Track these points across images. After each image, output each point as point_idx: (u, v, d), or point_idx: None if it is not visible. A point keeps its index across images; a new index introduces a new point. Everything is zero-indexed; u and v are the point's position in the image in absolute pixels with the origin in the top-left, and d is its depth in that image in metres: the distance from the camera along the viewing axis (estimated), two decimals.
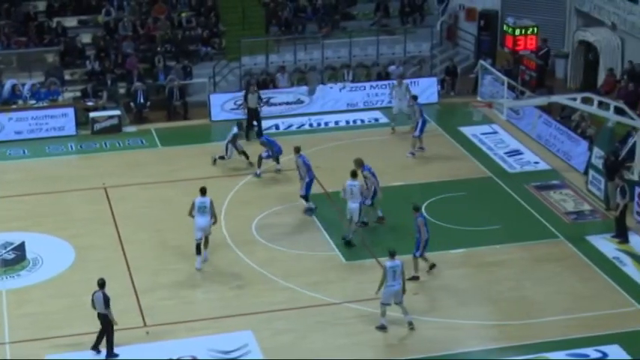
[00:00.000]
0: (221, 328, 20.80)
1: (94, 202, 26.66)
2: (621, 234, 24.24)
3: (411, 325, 20.56)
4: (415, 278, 22.39)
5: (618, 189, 24.17)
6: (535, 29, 34.92)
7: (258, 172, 28.16)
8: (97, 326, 20.35)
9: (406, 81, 32.18)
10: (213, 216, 22.96)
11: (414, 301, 21.66)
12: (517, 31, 34.91)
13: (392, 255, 20.54)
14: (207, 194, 22.97)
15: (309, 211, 25.63)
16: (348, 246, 23.90)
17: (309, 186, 25.63)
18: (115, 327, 19.73)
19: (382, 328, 20.54)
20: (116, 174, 28.42)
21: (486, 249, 23.87)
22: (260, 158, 28.08)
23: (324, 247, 24.16)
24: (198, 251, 22.88)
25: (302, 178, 25.69)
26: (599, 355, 19.73)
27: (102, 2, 36.17)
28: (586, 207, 26.32)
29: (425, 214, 23.49)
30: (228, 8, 37.08)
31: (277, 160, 28.18)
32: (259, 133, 30.69)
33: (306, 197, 25.69)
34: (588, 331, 20.51)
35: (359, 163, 24.98)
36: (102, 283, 19.75)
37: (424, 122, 29.22)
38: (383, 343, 20.24)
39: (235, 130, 28.89)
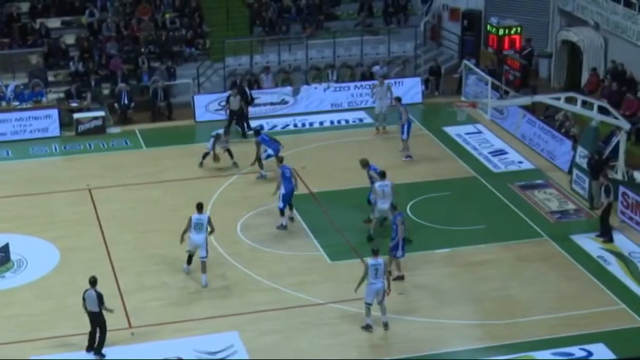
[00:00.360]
0: (206, 328, 20.77)
1: (79, 204, 26.58)
2: (605, 233, 24.32)
3: (385, 327, 20.54)
4: (400, 278, 22.43)
5: (603, 188, 24.22)
6: (519, 29, 35.03)
7: (262, 173, 27.79)
8: (82, 327, 20.33)
9: (387, 81, 32.21)
10: (212, 228, 22.32)
11: (399, 301, 21.70)
12: (501, 31, 35.00)
13: (375, 253, 20.56)
14: (203, 210, 22.49)
15: (281, 227, 24.84)
16: (369, 240, 23.90)
17: (284, 198, 24.73)
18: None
19: (367, 327, 20.55)
20: (100, 175, 28.34)
21: (471, 249, 23.91)
22: (260, 160, 27.73)
23: (309, 247, 24.17)
24: (189, 261, 22.55)
25: (277, 189, 24.88)
26: (584, 353, 19.80)
27: (85, 3, 36.07)
28: (570, 206, 26.42)
29: (403, 213, 23.41)
30: (212, 9, 37.05)
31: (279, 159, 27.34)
32: (244, 134, 30.69)
33: (282, 211, 24.87)
34: (573, 330, 20.58)
35: (364, 163, 25.05)
36: (93, 281, 19.71)
37: (409, 124, 29.20)
38: (368, 344, 20.25)
39: (220, 131, 28.77)
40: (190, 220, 22.19)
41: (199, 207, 22.43)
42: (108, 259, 23.56)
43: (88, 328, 20.38)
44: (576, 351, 19.89)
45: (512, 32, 34.99)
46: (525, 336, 20.42)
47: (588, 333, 20.46)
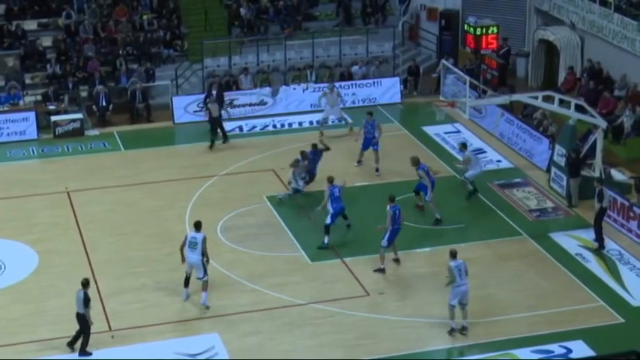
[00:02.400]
0: (187, 330, 20.74)
1: (57, 207, 26.47)
2: (597, 239, 23.89)
3: (464, 331, 20.37)
4: (380, 270, 22.46)
5: (596, 192, 23.68)
6: (496, 28, 35.15)
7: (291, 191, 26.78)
8: (62, 331, 20.33)
9: (337, 86, 32.17)
10: (205, 254, 21.22)
11: (379, 300, 21.75)
12: (478, 31, 35.11)
13: (453, 255, 20.38)
14: (200, 229, 21.28)
15: (324, 246, 23.95)
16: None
17: (333, 217, 23.96)
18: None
19: (452, 331, 20.37)
20: (79, 178, 28.23)
21: (450, 247, 23.93)
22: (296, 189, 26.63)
23: (289, 248, 24.16)
24: (186, 284, 21.75)
25: (323, 208, 24.07)
26: (563, 351, 19.90)
27: (62, 5, 35.91)
28: (549, 204, 26.55)
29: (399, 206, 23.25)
30: (190, 10, 36.99)
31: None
32: (225, 140, 30.58)
33: (327, 228, 23.97)
34: (552, 328, 20.69)
35: (415, 161, 25.17)
36: (85, 283, 19.68)
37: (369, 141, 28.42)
38: (350, 344, 20.27)
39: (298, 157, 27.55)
40: (186, 237, 21.39)
41: (196, 225, 21.37)
42: (87, 262, 23.47)
43: (68, 331, 20.36)
44: (556, 348, 19.99)
45: (490, 32, 35.10)
46: (505, 334, 20.50)
47: (567, 330, 20.57)
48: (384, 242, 22.60)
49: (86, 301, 19.54)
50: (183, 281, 21.70)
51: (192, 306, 21.63)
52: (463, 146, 27.02)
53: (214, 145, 30.02)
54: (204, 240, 21.20)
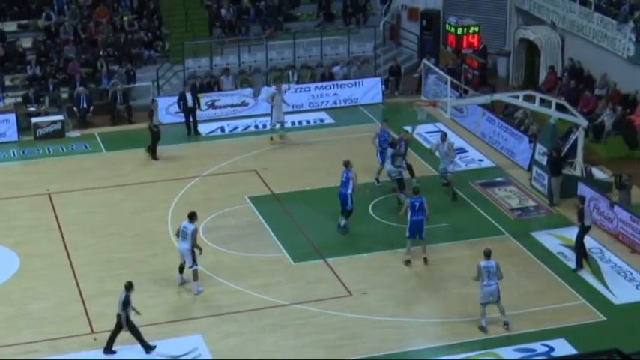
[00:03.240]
0: (170, 332, 20.69)
1: (38, 209, 26.35)
2: (577, 259, 23.18)
3: (506, 325, 20.55)
4: (407, 262, 22.91)
5: (576, 211, 23.29)
6: (477, 28, 35.27)
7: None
8: (44, 334, 20.30)
9: (285, 87, 32.17)
10: (195, 245, 21.74)
11: (362, 300, 21.76)
12: (459, 31, 35.22)
13: (487, 255, 20.54)
14: (194, 220, 21.77)
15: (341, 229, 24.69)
16: None
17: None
18: (69, 333, 19.70)
19: (482, 329, 20.52)
20: (60, 180, 28.12)
21: (433, 247, 24.00)
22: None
23: (272, 248, 24.14)
24: (180, 270, 22.21)
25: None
26: (545, 349, 19.97)
27: (42, 6, 35.74)
28: (530, 203, 26.64)
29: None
30: (170, 11, 36.90)
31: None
32: (196, 132, 31.01)
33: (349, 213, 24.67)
34: (535, 326, 20.76)
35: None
36: (128, 286, 19.72)
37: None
38: (333, 344, 20.27)
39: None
40: (180, 225, 21.97)
41: (189, 216, 21.84)
42: (69, 265, 23.38)
43: (50, 334, 20.29)
44: (538, 347, 20.06)
45: (471, 31, 35.22)
46: (488, 333, 20.54)
47: (550, 329, 20.65)
48: (407, 232, 23.00)
49: (125, 303, 19.51)
50: (168, 280, 21.96)
51: (175, 307, 21.59)
52: (444, 136, 26.98)
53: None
54: (193, 232, 21.64)
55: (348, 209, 24.50)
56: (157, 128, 29.49)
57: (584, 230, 23.13)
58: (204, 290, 22.10)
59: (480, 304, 20.58)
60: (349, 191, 24.34)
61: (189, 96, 31.28)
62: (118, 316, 19.67)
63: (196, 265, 21.80)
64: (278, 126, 30.71)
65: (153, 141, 29.47)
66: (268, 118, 31.80)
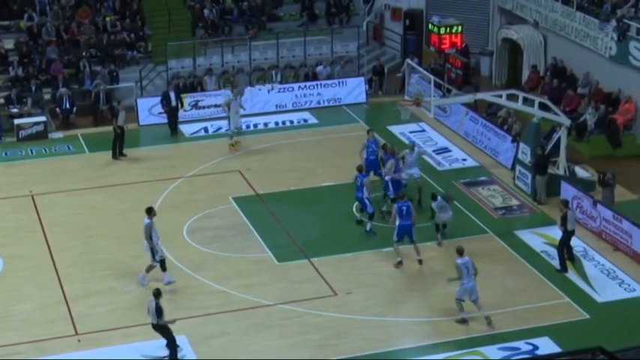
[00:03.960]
0: (155, 333, 20.54)
1: (22, 211, 26.25)
2: (560, 262, 23.15)
3: (488, 320, 20.57)
4: (399, 263, 22.81)
5: (560, 215, 23.07)
6: (460, 28, 35.33)
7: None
8: (28, 336, 20.21)
9: (248, 89, 32.10)
10: (146, 237, 21.95)
11: (347, 300, 21.77)
12: (442, 30, 35.26)
13: (460, 252, 20.64)
14: (150, 214, 21.93)
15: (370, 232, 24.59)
16: None
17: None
18: (49, 336, 19.54)
19: (463, 321, 20.65)
20: (43, 181, 28.01)
21: (418, 246, 24.03)
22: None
23: (256, 249, 24.12)
24: (163, 268, 22.27)
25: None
26: (529, 347, 20.02)
27: (24, 7, 35.58)
28: (514, 202, 26.72)
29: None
30: (153, 11, 36.81)
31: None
32: (175, 132, 31.14)
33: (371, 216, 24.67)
34: (519, 325, 20.82)
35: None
36: (156, 293, 19.45)
37: None
38: (318, 344, 20.28)
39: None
40: None
41: (146, 211, 22.10)
42: (53, 266, 23.29)
43: (34, 336, 20.22)
44: (522, 345, 20.11)
45: (454, 31, 35.27)
46: (472, 332, 20.60)
47: (533, 327, 20.71)
48: (394, 237, 22.96)
49: (158, 311, 19.23)
50: (152, 281, 21.93)
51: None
52: (412, 147, 26.37)
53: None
54: (146, 225, 21.82)
55: (369, 212, 24.45)
56: (120, 129, 29.38)
57: (568, 234, 22.99)
58: (189, 290, 22.06)
59: (456, 299, 20.65)
60: (365, 195, 24.32)
61: (172, 96, 31.27)
62: (156, 325, 19.36)
63: (155, 261, 21.94)
64: (235, 131, 30.04)
65: (115, 140, 29.40)
66: (252, 118, 31.88)
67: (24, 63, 33.78)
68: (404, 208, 22.92)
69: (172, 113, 31.43)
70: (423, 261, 23.31)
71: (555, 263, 23.31)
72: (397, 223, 22.92)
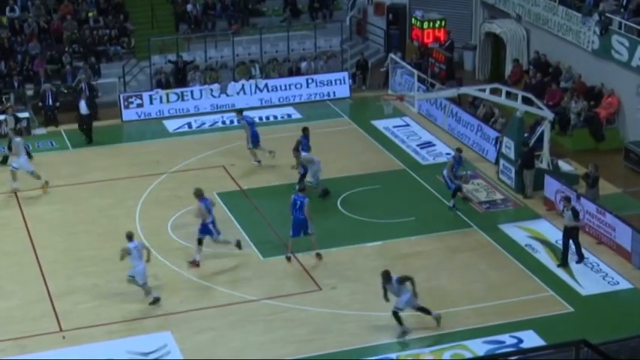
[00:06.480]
0: (139, 329, 20.59)
1: (5, 207, 26.13)
2: (577, 254, 23.24)
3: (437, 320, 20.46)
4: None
5: (570, 212, 23.00)
6: (443, 22, 35.39)
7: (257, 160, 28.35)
8: (10, 333, 20.09)
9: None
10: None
11: (331, 295, 21.78)
12: (425, 25, 35.32)
13: (130, 237, 21.02)
14: (131, 238, 21.28)
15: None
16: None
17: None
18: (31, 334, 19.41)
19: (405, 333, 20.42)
20: (26, 177, 27.84)
21: (402, 241, 24.10)
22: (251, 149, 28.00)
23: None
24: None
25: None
26: (514, 341, 20.08)
27: (5, 2, 35.37)
28: (498, 196, 26.78)
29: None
30: (136, 7, 36.69)
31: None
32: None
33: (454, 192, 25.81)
34: (503, 318, 20.87)
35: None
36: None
37: (255, 134, 28.35)
38: (303, 339, 20.27)
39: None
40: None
41: (127, 236, 21.30)
42: (36, 263, 23.20)
43: (16, 333, 20.10)
44: (507, 339, 20.16)
45: (437, 25, 35.33)
46: (457, 325, 20.64)
47: (518, 320, 20.76)
48: (290, 232, 23.06)
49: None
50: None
51: (143, 305, 21.46)
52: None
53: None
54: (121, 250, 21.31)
55: (452, 189, 25.63)
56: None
57: (577, 230, 23.03)
58: (174, 286, 22.03)
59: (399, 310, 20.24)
60: (445, 174, 25.62)
61: (83, 104, 30.34)
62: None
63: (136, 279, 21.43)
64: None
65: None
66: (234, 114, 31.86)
67: (6, 58, 33.58)
68: (298, 202, 22.80)
69: (85, 121, 30.49)
70: (408, 255, 23.31)
71: (539, 257, 23.39)
72: (292, 215, 22.82)
